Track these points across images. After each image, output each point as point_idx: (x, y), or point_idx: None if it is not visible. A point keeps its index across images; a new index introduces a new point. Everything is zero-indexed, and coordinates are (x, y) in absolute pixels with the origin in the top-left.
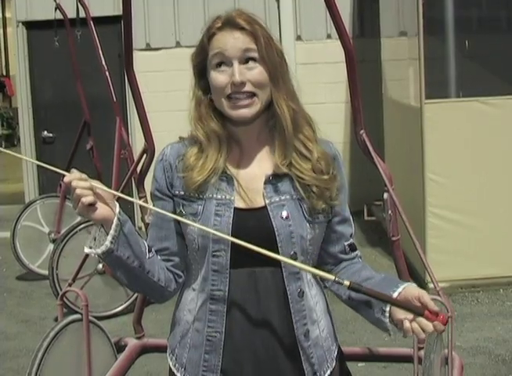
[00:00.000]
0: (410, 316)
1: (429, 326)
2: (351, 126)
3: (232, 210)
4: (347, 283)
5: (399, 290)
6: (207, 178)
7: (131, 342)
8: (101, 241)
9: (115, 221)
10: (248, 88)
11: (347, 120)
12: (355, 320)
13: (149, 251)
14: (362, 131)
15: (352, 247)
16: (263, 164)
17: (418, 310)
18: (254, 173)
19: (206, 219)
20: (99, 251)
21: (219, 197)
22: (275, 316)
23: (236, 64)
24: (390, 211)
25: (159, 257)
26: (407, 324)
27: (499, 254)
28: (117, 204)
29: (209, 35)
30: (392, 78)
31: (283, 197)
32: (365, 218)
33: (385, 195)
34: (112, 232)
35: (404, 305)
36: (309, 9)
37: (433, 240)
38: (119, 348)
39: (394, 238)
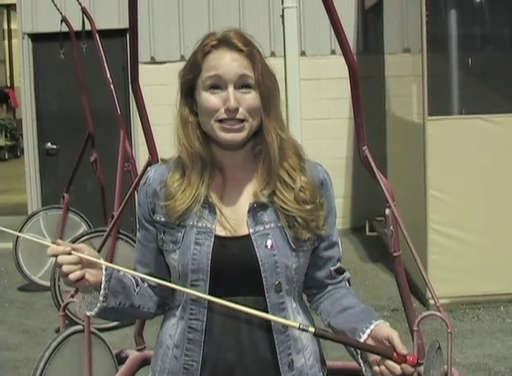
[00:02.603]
0: (379, 357)
1: (397, 369)
2: (354, 142)
3: (213, 239)
4: (312, 330)
5: (371, 327)
6: (190, 207)
7: (132, 354)
8: (93, 301)
9: (103, 282)
10: (240, 115)
11: (351, 135)
12: None
13: (137, 285)
14: (364, 148)
15: (339, 271)
16: (247, 191)
17: (386, 353)
18: (237, 201)
19: (185, 248)
20: (93, 313)
21: (200, 225)
22: (257, 346)
23: (231, 89)
24: (391, 227)
25: (145, 284)
26: (376, 368)
27: (499, 271)
28: (102, 260)
29: (204, 52)
30: (395, 95)
31: (267, 226)
32: (367, 233)
33: (387, 211)
34: (102, 292)
35: (371, 349)
36: (313, 24)
37: (434, 257)
38: (120, 359)
39: (395, 254)
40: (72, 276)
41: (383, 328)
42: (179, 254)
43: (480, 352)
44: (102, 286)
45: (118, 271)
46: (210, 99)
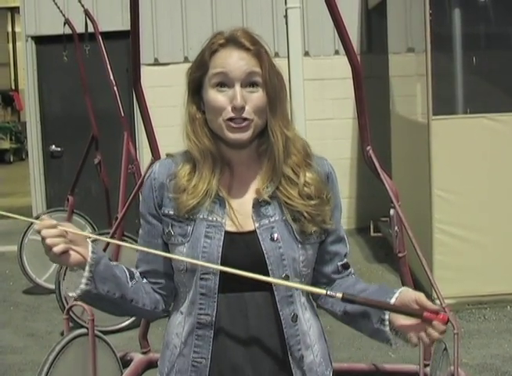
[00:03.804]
0: (411, 320)
1: (435, 334)
2: (358, 142)
3: (223, 233)
4: (339, 295)
5: (396, 295)
6: (201, 201)
7: (137, 357)
8: (78, 283)
9: (88, 262)
10: (246, 114)
11: (355, 136)
12: (361, 336)
13: (132, 278)
14: (368, 148)
15: (345, 266)
16: (252, 188)
17: (417, 312)
18: (243, 196)
19: (195, 241)
20: (75, 294)
21: (210, 218)
22: (267, 341)
23: (238, 87)
24: (396, 228)
25: (144, 280)
26: (414, 339)
27: (506, 271)
28: (90, 243)
29: (211, 51)
30: (400, 94)
31: (271, 219)
32: (372, 234)
33: (391, 211)
34: (86, 274)
35: (402, 309)
36: (317, 25)
37: (440, 257)
38: (125, 362)
39: (400, 254)
40: (56, 249)
41: (408, 292)
42: (188, 248)
43: (487, 353)
44: (87, 268)
45: (111, 260)
46: (216, 97)
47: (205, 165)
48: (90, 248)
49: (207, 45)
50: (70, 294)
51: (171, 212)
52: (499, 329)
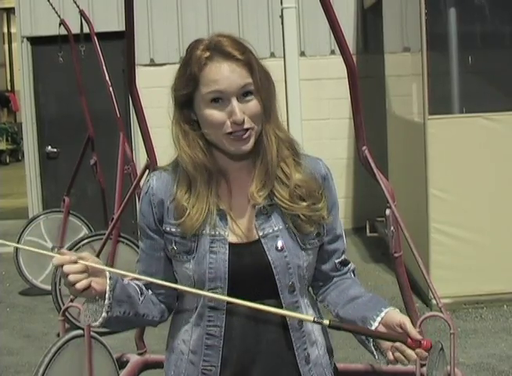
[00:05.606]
0: (391, 344)
1: (412, 355)
2: (355, 142)
3: (227, 246)
4: (326, 322)
5: (381, 315)
6: (205, 219)
7: (133, 358)
8: (98, 309)
9: (107, 291)
10: (247, 124)
11: (351, 135)
12: None
13: (142, 293)
14: (364, 148)
15: (344, 263)
16: (249, 194)
17: (400, 340)
18: (243, 205)
19: (201, 257)
20: (98, 323)
21: (213, 233)
22: (274, 347)
23: (235, 102)
24: (392, 228)
25: (150, 291)
26: (390, 355)
27: (502, 270)
28: (109, 269)
29: (199, 66)
30: (396, 94)
31: (275, 228)
32: (368, 234)
33: (387, 211)
34: (106, 302)
35: (385, 336)
36: (313, 25)
37: (436, 256)
38: (121, 364)
39: (396, 254)
40: (79, 286)
41: (394, 315)
42: (194, 264)
43: (483, 352)
44: (107, 296)
45: (123, 279)
46: (213, 113)
47: (201, 182)
48: (107, 274)
49: (193, 60)
50: (94, 324)
51: (173, 229)
52: (495, 328)
